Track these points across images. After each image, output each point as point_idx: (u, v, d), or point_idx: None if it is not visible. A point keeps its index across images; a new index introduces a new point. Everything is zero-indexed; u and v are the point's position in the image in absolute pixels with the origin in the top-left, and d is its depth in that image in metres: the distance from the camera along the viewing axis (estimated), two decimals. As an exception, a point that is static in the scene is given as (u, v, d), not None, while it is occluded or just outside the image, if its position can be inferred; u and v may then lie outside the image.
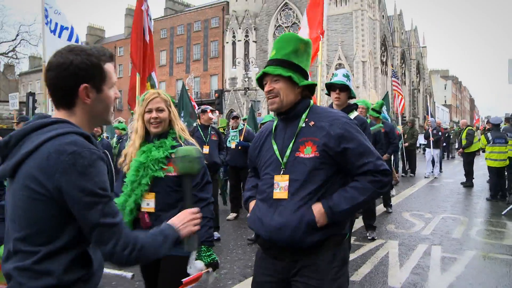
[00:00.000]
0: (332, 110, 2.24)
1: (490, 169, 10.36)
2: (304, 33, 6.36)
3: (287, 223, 2.03)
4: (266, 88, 2.19)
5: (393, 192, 10.45)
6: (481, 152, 14.62)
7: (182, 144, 2.68)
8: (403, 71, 57.84)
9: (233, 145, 7.91)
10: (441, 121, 18.74)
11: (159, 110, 2.66)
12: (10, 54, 33.63)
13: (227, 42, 49.82)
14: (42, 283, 1.37)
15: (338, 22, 44.14)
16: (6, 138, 1.48)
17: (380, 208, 8.40)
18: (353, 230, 6.63)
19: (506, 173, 10.34)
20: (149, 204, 2.63)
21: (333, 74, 4.61)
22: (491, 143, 10.12)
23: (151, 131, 2.69)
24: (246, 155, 7.72)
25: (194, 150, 2.02)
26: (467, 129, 12.97)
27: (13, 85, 50.30)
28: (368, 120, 6.97)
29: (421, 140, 15.99)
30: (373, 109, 7.81)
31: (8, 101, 18.65)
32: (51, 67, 1.47)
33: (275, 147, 2.21)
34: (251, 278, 2.44)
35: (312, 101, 2.26)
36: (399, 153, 15.20)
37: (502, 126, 10.68)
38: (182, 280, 2.29)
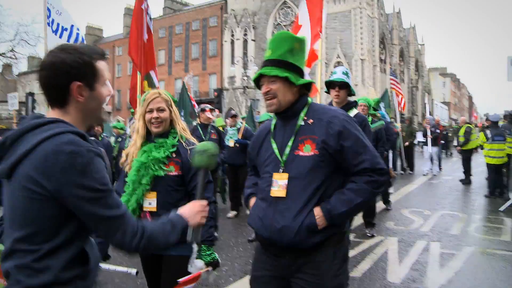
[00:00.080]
0: (330, 107, 2.26)
1: (488, 166, 10.41)
2: (305, 31, 6.37)
3: (288, 226, 2.04)
4: (263, 90, 2.18)
5: (390, 189, 10.50)
6: (479, 149, 14.68)
7: (184, 143, 2.71)
8: (402, 69, 57.85)
9: (231, 143, 7.94)
10: (440, 119, 18.73)
11: (160, 110, 2.67)
12: (8, 54, 33.55)
13: (226, 41, 49.80)
14: (40, 281, 1.38)
15: (337, 20, 44.16)
16: (1, 139, 1.49)
17: (379, 205, 8.45)
18: (352, 227, 6.70)
19: (504, 170, 10.39)
20: (151, 203, 2.65)
21: (332, 72, 4.63)
22: (490, 140, 10.18)
23: (152, 131, 2.71)
24: (244, 153, 7.80)
25: (213, 146, 2.06)
26: (465, 126, 13.03)
27: (11, 86, 50.26)
28: (370, 118, 7.01)
29: (419, 137, 16.01)
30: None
31: (7, 101, 18.66)
32: (44, 66, 1.48)
33: (274, 145, 2.21)
34: (252, 275, 2.49)
35: (310, 99, 2.26)
36: (398, 150, 15.25)
37: (501, 123, 10.73)
38: (178, 280, 2.30)
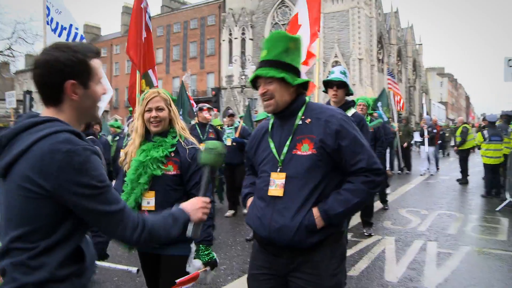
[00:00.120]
0: (328, 106, 2.26)
1: (485, 166, 10.46)
2: (304, 30, 6.37)
3: (287, 225, 2.04)
4: (261, 91, 2.18)
5: (388, 190, 10.53)
6: (476, 149, 14.73)
7: (182, 143, 2.71)
8: (400, 69, 57.95)
9: (228, 142, 7.96)
10: (437, 119, 18.77)
11: (158, 109, 2.67)
12: (6, 52, 33.47)
13: (224, 40, 49.74)
14: (36, 278, 1.39)
15: (335, 20, 44.15)
16: None
17: (377, 205, 8.48)
18: (350, 227, 6.73)
19: (501, 169, 10.45)
20: (149, 202, 2.65)
21: (330, 71, 4.62)
22: (487, 140, 10.23)
23: (151, 130, 2.71)
24: (241, 152, 7.83)
25: (221, 146, 2.08)
26: (461, 127, 13.09)
27: (9, 84, 50.14)
28: (368, 118, 7.03)
29: (416, 137, 16.06)
30: None
31: (4, 100, 18.61)
32: (37, 65, 1.48)
33: (272, 145, 2.21)
34: (250, 274, 2.50)
35: (308, 98, 2.26)
36: (395, 150, 15.28)
37: (498, 123, 10.78)
38: (176, 280, 2.31)
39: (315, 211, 2.03)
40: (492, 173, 10.28)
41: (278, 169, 2.14)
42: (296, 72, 2.18)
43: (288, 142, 2.14)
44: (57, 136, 1.41)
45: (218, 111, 20.84)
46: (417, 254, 5.65)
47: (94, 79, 1.55)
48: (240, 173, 7.70)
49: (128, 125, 8.06)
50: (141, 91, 5.65)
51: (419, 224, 7.32)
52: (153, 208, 2.63)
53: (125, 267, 2.37)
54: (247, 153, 2.46)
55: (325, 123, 2.09)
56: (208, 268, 2.54)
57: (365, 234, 6.60)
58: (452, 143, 18.99)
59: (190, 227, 1.83)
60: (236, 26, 48.90)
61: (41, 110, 1.61)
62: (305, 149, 2.08)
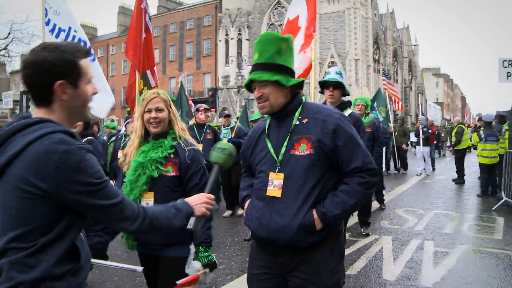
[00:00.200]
0: (324, 106, 2.26)
1: (481, 166, 10.54)
2: (302, 32, 6.40)
3: (287, 225, 2.05)
4: (256, 94, 2.18)
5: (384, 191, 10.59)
6: (472, 149, 14.81)
7: (182, 144, 2.69)
8: (396, 69, 58.12)
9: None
10: (433, 119, 18.87)
11: (158, 110, 2.66)
12: (2, 53, 33.37)
13: (220, 40, 49.75)
14: (32, 276, 1.39)
15: (331, 20, 44.24)
16: None
17: (374, 205, 8.51)
18: (347, 226, 6.78)
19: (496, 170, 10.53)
20: (148, 203, 2.62)
21: (326, 72, 4.65)
22: (483, 140, 10.31)
23: (150, 131, 2.69)
24: (237, 152, 7.84)
25: (232, 147, 2.12)
26: (457, 127, 13.19)
27: (5, 84, 49.94)
28: (367, 119, 7.07)
29: (412, 137, 16.15)
30: None
31: (1, 100, 18.55)
32: (26, 65, 1.48)
33: (269, 145, 2.21)
34: (249, 273, 2.52)
35: (304, 98, 2.26)
36: (391, 150, 15.35)
37: (493, 123, 10.86)
38: (177, 282, 2.31)
39: (313, 213, 2.05)
40: (488, 173, 10.37)
41: (277, 169, 2.14)
42: (290, 72, 2.18)
43: (285, 143, 2.14)
44: (52, 137, 1.42)
45: (215, 111, 20.85)
46: (414, 253, 5.70)
47: (84, 78, 1.56)
48: (235, 173, 7.71)
49: (125, 126, 8.07)
50: (140, 92, 5.67)
51: (416, 224, 7.38)
52: None
53: (130, 266, 2.38)
54: (243, 153, 2.45)
55: (322, 123, 2.10)
56: (207, 270, 2.54)
57: (363, 233, 6.65)
58: (448, 143, 19.09)
59: (191, 221, 1.87)
60: (232, 26, 48.92)
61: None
62: (303, 149, 2.09)
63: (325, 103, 4.59)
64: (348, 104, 4.74)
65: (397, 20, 60.34)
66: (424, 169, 15.00)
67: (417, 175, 14.60)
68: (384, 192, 10.46)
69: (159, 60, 53.39)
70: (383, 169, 13.56)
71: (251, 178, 2.44)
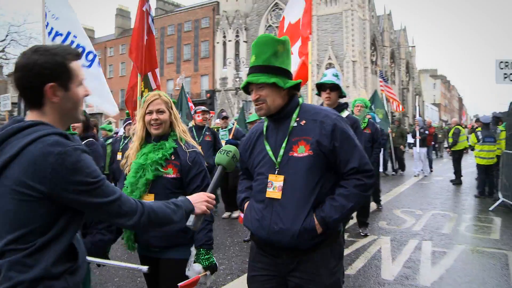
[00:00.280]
0: (321, 107, 2.26)
1: (478, 166, 10.61)
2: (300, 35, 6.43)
3: (288, 228, 2.06)
4: (253, 97, 2.18)
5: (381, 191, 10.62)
6: (469, 150, 14.88)
7: (183, 146, 2.68)
8: (393, 71, 58.28)
9: (223, 144, 8.01)
10: (431, 120, 18.94)
11: (159, 111, 2.65)
12: (-1, 55, 33.32)
13: (218, 42, 49.86)
14: (31, 275, 1.40)
15: (328, 22, 44.38)
16: None
17: (372, 206, 8.58)
18: (346, 227, 6.82)
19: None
20: None
21: (322, 74, 4.67)
22: (481, 141, 10.38)
23: (151, 132, 2.69)
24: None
25: (236, 150, 2.15)
26: (453, 128, 13.26)
27: (2, 86, 49.82)
28: (366, 119, 7.11)
29: (409, 139, 16.25)
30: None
31: (-2, 102, 18.55)
32: (17, 68, 1.49)
33: (268, 147, 2.21)
34: (249, 274, 2.53)
35: (301, 99, 2.27)
36: (388, 151, 15.41)
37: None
38: (178, 284, 2.30)
39: (314, 218, 2.06)
40: (485, 173, 10.43)
41: (276, 171, 2.15)
42: (287, 74, 2.19)
43: (284, 144, 2.15)
44: (46, 139, 1.43)
45: (214, 113, 20.91)
46: (413, 253, 5.75)
47: (75, 81, 1.57)
48: (232, 175, 7.73)
49: (124, 128, 8.10)
50: (141, 94, 5.70)
51: (413, 224, 7.43)
52: None
53: (135, 266, 2.40)
54: (241, 156, 2.41)
55: (320, 124, 2.11)
56: (208, 272, 2.53)
57: (361, 234, 6.69)
58: (446, 144, 19.15)
59: (191, 218, 1.90)
60: (230, 28, 49.03)
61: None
62: (302, 151, 2.09)
63: (322, 105, 4.61)
64: (345, 106, 4.71)
65: (394, 22, 60.93)
66: (421, 170, 15.06)
67: (415, 176, 14.66)
68: (381, 194, 10.51)
69: (156, 62, 53.34)
70: (381, 170, 13.62)
71: (249, 181, 2.44)
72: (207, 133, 7.71)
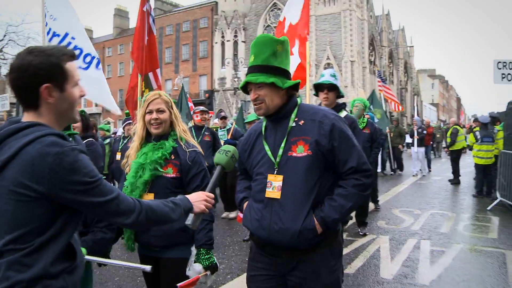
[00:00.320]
0: (320, 107, 2.27)
1: (476, 166, 10.65)
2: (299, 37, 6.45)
3: (288, 227, 2.06)
4: (252, 96, 2.19)
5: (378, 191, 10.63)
6: (467, 150, 14.91)
7: (183, 145, 2.68)
8: (391, 71, 58.38)
9: (222, 144, 8.03)
10: (430, 120, 18.96)
11: (159, 111, 2.65)
12: (-3, 55, 33.33)
13: (216, 42, 49.88)
14: (29, 275, 1.41)
15: (327, 22, 44.44)
16: None
17: (370, 205, 8.60)
18: (345, 226, 6.86)
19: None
20: None
21: (320, 74, 4.68)
22: (479, 141, 10.42)
23: (151, 132, 2.68)
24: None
25: (235, 150, 2.17)
26: (452, 128, 13.31)
27: (0, 87, 49.75)
28: (365, 119, 7.13)
29: (407, 138, 16.28)
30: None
31: (-4, 102, 18.49)
32: (12, 70, 1.50)
33: (266, 147, 2.21)
34: (248, 273, 2.53)
35: (299, 100, 2.27)
36: (386, 151, 15.44)
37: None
38: (177, 284, 2.28)
39: (313, 218, 2.08)
40: (483, 173, 10.48)
41: (275, 171, 2.15)
42: (286, 74, 2.19)
43: (283, 144, 2.15)
44: (44, 140, 1.44)
45: (213, 113, 20.93)
46: (411, 252, 5.78)
47: (70, 81, 1.57)
48: (231, 174, 7.74)
49: (123, 128, 8.11)
50: (142, 94, 5.72)
51: (412, 224, 7.46)
52: None
53: (139, 265, 2.40)
54: (240, 156, 2.40)
55: (319, 124, 2.11)
56: (208, 273, 2.52)
57: (360, 233, 6.72)
58: (444, 144, 19.20)
59: (190, 217, 1.92)
60: (228, 28, 49.06)
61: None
62: (300, 151, 2.10)
63: (320, 105, 4.62)
64: (343, 106, 4.74)
65: (393, 22, 60.85)
66: (420, 169, 15.09)
67: (413, 176, 14.69)
68: (379, 194, 10.54)
69: (155, 62, 53.32)
70: (379, 170, 13.65)
71: (247, 181, 2.45)
72: (206, 133, 7.72)
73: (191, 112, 9.02)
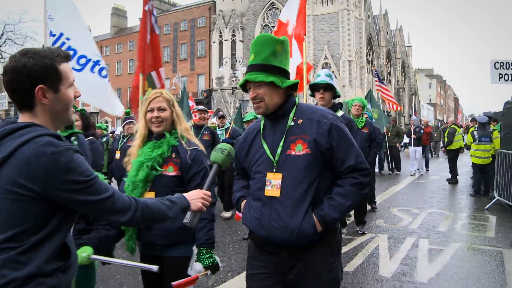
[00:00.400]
0: (317, 107, 2.29)
1: (474, 166, 10.72)
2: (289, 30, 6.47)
3: (288, 225, 2.07)
4: (251, 95, 2.20)
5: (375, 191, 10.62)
6: (464, 150, 14.98)
7: (184, 144, 2.68)
8: (389, 70, 58.46)
9: None
10: (427, 120, 19.05)
11: (160, 109, 2.65)
12: (-6, 54, 33.25)
13: (214, 42, 49.84)
14: (24, 273, 1.42)
15: (324, 22, 44.44)
16: None
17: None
18: (344, 229, 6.90)
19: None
20: None
21: (316, 74, 4.70)
22: (477, 141, 10.48)
23: (153, 130, 2.68)
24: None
25: (231, 148, 2.20)
26: (449, 127, 13.37)
27: (-2, 85, 49.63)
28: (364, 119, 7.16)
29: (405, 138, 16.33)
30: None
31: (-5, 101, 18.46)
32: (6, 71, 1.51)
33: (265, 146, 2.22)
34: (248, 271, 2.52)
35: (297, 99, 2.29)
36: (384, 151, 15.49)
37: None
38: (172, 283, 2.25)
39: (313, 217, 2.09)
40: (481, 172, 10.54)
41: (274, 170, 2.16)
42: (285, 73, 2.21)
43: (281, 143, 2.16)
44: (39, 140, 1.45)
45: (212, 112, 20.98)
46: (410, 250, 5.83)
47: (65, 83, 1.58)
48: (228, 173, 7.76)
49: (123, 127, 8.13)
50: (144, 93, 5.74)
51: (410, 222, 7.51)
52: None
53: (145, 265, 2.41)
54: (237, 155, 2.42)
55: (317, 123, 2.13)
56: (209, 272, 2.49)
57: (359, 232, 6.77)
58: (442, 143, 19.26)
59: (188, 215, 1.95)
60: (226, 28, 49.01)
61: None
62: (299, 149, 2.11)
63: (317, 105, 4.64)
64: (339, 105, 4.74)
65: (390, 21, 60.76)
66: (417, 169, 15.14)
67: (411, 175, 14.75)
68: (375, 193, 10.56)
69: (153, 61, 53.26)
70: (376, 170, 13.69)
71: (244, 180, 2.46)
72: (206, 132, 7.75)
73: (191, 111, 9.05)
